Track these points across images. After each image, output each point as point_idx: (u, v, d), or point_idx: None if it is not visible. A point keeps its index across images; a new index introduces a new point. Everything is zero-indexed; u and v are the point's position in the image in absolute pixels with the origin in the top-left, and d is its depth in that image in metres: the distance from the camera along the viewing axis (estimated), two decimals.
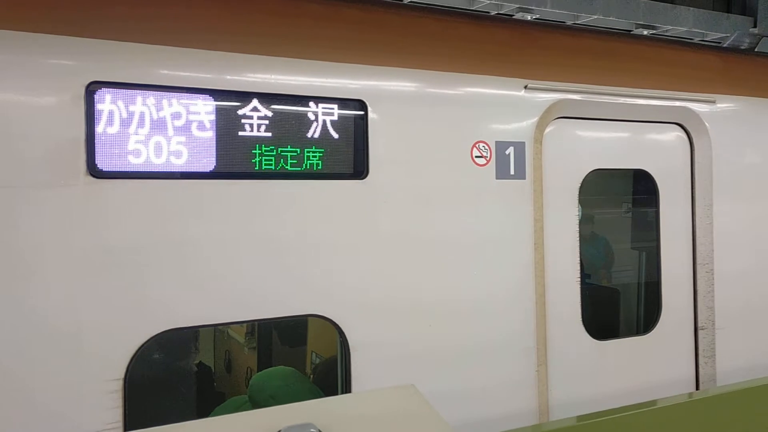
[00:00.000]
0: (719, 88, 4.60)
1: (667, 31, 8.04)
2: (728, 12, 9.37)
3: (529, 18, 4.59)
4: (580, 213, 4.14)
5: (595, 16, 7.41)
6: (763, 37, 7.56)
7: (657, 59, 4.56)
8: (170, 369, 4.04)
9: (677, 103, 4.38)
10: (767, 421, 4.07)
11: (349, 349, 3.31)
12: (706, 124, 4.44)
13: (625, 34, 4.98)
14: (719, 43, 9.20)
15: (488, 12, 6.95)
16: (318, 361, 4.70)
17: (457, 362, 3.59)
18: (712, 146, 4.45)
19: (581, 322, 4.02)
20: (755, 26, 9.83)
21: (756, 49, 5.95)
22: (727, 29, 8.66)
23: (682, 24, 8.27)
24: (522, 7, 6.38)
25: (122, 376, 2.81)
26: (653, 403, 3.87)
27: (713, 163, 4.45)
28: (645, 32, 7.82)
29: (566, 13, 7.34)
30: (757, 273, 4.67)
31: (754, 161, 4.71)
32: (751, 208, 4.68)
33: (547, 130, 3.94)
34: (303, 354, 5.00)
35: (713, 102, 4.49)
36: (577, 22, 7.66)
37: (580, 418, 3.67)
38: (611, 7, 7.51)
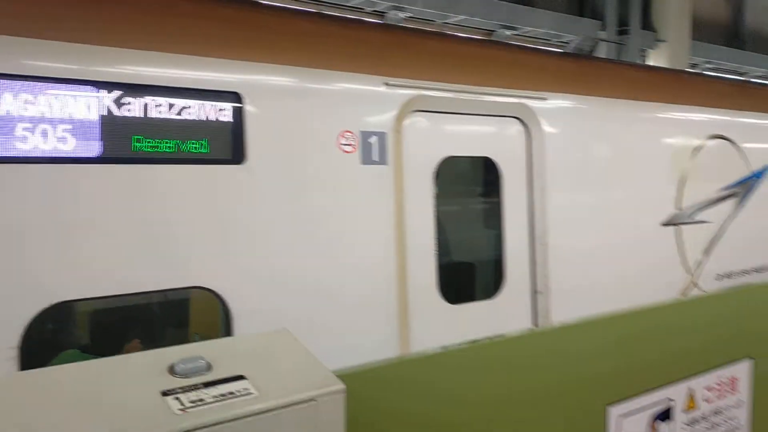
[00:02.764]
0: (551, 87, 5.35)
1: (527, 32, 8.86)
2: (581, 15, 10.40)
3: (401, 16, 5.09)
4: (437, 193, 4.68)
5: (462, 17, 8.11)
6: (600, 41, 8.53)
7: (500, 61, 5.24)
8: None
9: (515, 100, 5.08)
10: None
11: (231, 317, 3.68)
12: (539, 118, 5.20)
13: (475, 40, 5.62)
14: (567, 43, 10.17)
15: (363, 8, 7.36)
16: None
17: (329, 324, 4.06)
18: (544, 137, 5.19)
19: (438, 289, 4.62)
20: (604, 29, 10.95)
21: (593, 53, 6.77)
22: (578, 32, 9.67)
23: (541, 26, 9.19)
24: (395, 6, 6.85)
25: (17, 344, 3.02)
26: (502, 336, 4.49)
27: (545, 152, 5.16)
28: (507, 32, 8.54)
29: (435, 13, 7.98)
30: (583, 246, 5.51)
31: (579, 150, 5.53)
32: (578, 190, 5.50)
33: (406, 121, 4.48)
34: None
35: (545, 99, 5.25)
36: (446, 21, 8.30)
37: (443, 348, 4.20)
38: (476, 8, 8.28)
